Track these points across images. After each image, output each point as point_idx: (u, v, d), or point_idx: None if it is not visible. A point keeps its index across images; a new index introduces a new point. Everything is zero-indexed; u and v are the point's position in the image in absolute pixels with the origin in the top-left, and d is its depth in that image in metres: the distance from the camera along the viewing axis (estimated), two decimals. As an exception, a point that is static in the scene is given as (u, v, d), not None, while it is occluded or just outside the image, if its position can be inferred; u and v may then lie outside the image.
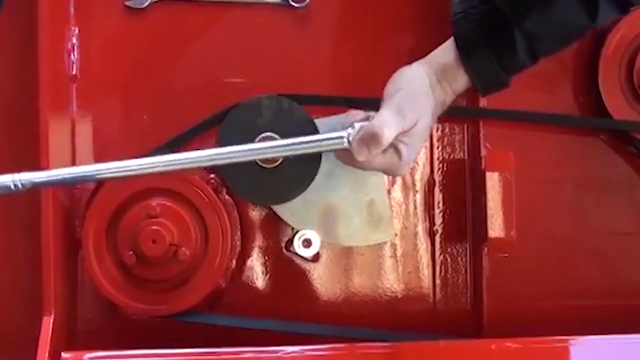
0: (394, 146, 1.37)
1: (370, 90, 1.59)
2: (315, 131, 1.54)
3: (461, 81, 1.42)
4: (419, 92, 1.40)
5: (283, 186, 1.54)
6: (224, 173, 1.55)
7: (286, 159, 1.52)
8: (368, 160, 1.37)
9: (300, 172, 1.54)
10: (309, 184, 1.54)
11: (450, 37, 1.42)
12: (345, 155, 1.40)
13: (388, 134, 1.34)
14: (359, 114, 1.42)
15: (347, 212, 1.58)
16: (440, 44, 1.53)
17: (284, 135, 1.52)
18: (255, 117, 1.54)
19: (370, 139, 1.35)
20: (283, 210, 1.57)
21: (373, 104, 1.58)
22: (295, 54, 1.62)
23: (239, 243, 1.61)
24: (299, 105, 1.55)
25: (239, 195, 1.58)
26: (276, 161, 1.53)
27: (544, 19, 1.36)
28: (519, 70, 1.42)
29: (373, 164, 1.39)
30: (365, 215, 1.59)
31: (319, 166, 1.54)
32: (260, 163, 1.53)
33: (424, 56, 1.62)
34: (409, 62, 1.57)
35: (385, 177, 1.59)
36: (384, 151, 1.37)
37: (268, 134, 1.54)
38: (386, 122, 1.35)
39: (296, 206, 1.56)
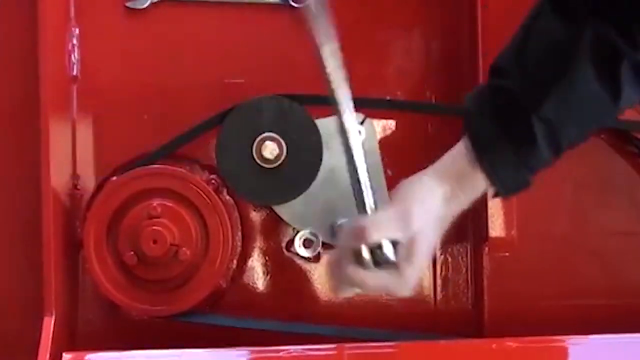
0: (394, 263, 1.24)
1: (371, 90, 1.60)
2: (316, 131, 1.54)
3: (479, 187, 1.26)
4: (430, 208, 1.25)
5: (284, 186, 1.55)
6: (224, 173, 1.55)
7: (288, 159, 1.54)
8: (361, 275, 1.23)
9: (300, 172, 1.55)
10: (310, 184, 1.55)
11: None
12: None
13: (376, 235, 1.22)
14: None
15: (347, 213, 1.57)
16: (442, 44, 1.53)
17: (285, 136, 1.53)
18: (255, 117, 1.54)
19: (355, 232, 1.24)
20: (283, 210, 1.57)
21: (373, 104, 1.58)
22: (296, 54, 1.62)
23: (239, 243, 1.61)
24: (300, 105, 1.55)
25: (240, 196, 1.58)
26: (277, 161, 1.53)
27: (564, 102, 1.23)
28: (541, 167, 1.28)
29: (368, 281, 1.24)
30: (366, 215, 1.59)
31: (319, 166, 1.54)
32: (260, 163, 1.53)
33: (424, 56, 1.63)
34: (410, 62, 1.58)
35: (383, 176, 1.59)
36: (382, 266, 1.24)
37: (268, 134, 1.54)
38: (378, 222, 1.23)
39: (297, 206, 1.56)
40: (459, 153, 1.27)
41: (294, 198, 1.55)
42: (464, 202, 1.27)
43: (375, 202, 1.28)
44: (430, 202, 1.25)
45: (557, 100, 1.23)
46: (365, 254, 1.24)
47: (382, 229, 1.23)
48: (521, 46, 1.27)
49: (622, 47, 1.21)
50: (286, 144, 1.54)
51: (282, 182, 1.54)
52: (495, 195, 1.29)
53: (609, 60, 1.22)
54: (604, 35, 1.21)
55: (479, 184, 1.26)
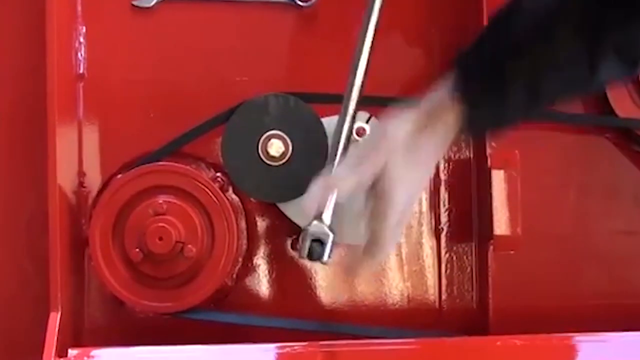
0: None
1: (378, 88, 1.59)
2: (322, 129, 1.54)
3: (449, 122, 1.29)
4: (396, 137, 1.29)
5: (289, 184, 1.55)
6: (230, 170, 1.56)
7: (294, 156, 1.54)
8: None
9: (306, 169, 1.55)
10: (316, 181, 1.55)
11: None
12: None
13: (342, 183, 1.31)
14: None
15: (353, 211, 1.57)
16: (447, 43, 1.54)
17: (290, 134, 1.53)
18: (261, 115, 1.55)
19: (324, 181, 1.33)
20: (289, 208, 1.57)
21: (380, 101, 1.59)
22: (302, 53, 1.63)
23: (245, 241, 1.61)
24: (306, 103, 1.55)
25: (245, 193, 1.59)
26: (282, 159, 1.54)
27: (541, 56, 1.25)
28: (516, 116, 1.32)
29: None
30: (371, 214, 1.59)
31: (324, 164, 1.54)
32: (266, 161, 1.54)
33: (431, 56, 1.64)
34: (417, 60, 1.59)
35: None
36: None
37: (274, 131, 1.54)
38: (346, 166, 1.32)
39: (301, 204, 1.56)
40: (437, 90, 1.30)
41: (300, 196, 1.55)
42: (432, 134, 1.29)
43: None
44: (396, 132, 1.29)
45: (535, 54, 1.25)
46: (305, 244, 1.35)
47: (345, 185, 1.29)
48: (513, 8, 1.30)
49: (609, 20, 1.23)
50: (292, 141, 1.54)
51: (287, 179, 1.55)
52: (464, 131, 1.30)
53: (593, 29, 1.23)
54: (592, 6, 1.23)
55: (450, 117, 1.28)
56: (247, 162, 1.54)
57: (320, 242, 1.35)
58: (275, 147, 1.54)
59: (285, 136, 1.54)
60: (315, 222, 1.36)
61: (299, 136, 1.55)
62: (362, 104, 1.57)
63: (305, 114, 1.55)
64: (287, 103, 1.55)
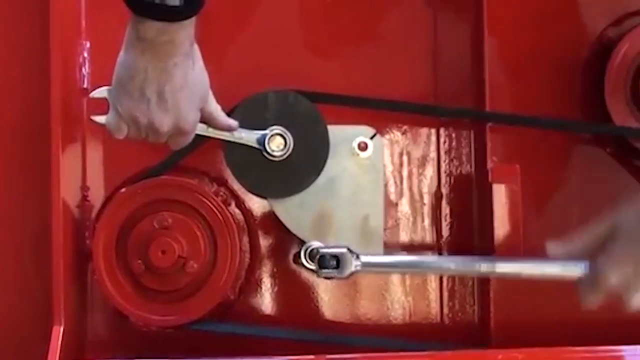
0: None
1: (378, 91, 1.60)
2: (321, 122, 1.56)
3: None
4: None
5: (289, 179, 1.56)
6: (232, 166, 1.56)
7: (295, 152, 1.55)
8: None
9: (307, 166, 1.56)
10: (317, 176, 1.56)
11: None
12: None
13: None
14: None
15: (340, 223, 1.58)
16: (454, 41, 1.54)
17: (291, 130, 1.54)
18: (262, 111, 1.55)
19: None
20: (279, 207, 1.58)
21: (386, 104, 1.59)
22: (308, 51, 1.64)
23: (247, 255, 1.62)
24: (308, 100, 1.56)
25: (246, 189, 1.59)
26: (283, 155, 1.55)
27: None
28: None
29: None
30: (358, 229, 1.58)
31: (327, 157, 1.56)
32: (267, 156, 1.55)
33: (438, 55, 1.64)
34: (423, 61, 1.60)
35: (383, 194, 1.60)
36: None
37: (275, 127, 1.55)
38: None
39: (292, 205, 1.57)
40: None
41: (300, 191, 1.56)
42: None
43: None
44: None
45: None
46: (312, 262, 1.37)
47: None
48: None
49: None
50: (292, 137, 1.55)
51: (288, 175, 1.55)
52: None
53: None
54: None
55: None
56: (249, 158, 1.55)
57: (335, 258, 1.35)
58: (276, 143, 1.54)
59: (285, 131, 1.55)
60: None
61: (300, 131, 1.55)
62: (363, 106, 1.58)
63: (306, 109, 1.56)
64: (287, 99, 1.56)
